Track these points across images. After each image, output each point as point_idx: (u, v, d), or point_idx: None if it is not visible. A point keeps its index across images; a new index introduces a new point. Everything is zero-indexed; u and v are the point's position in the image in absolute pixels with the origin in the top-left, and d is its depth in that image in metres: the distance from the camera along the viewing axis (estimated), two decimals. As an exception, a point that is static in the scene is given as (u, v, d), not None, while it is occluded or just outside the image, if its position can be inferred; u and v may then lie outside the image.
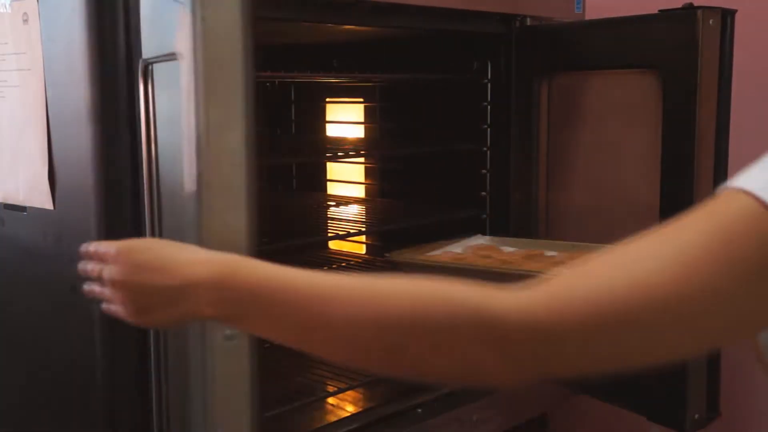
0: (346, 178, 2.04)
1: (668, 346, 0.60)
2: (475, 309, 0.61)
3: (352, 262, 1.94)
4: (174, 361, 1.02)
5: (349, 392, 1.47)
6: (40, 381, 1.22)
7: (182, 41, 0.90)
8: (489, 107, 1.66)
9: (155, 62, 0.97)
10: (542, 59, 1.55)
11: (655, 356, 0.60)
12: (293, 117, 2.12)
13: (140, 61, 0.98)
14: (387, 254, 1.49)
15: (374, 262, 1.90)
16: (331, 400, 1.45)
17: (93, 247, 0.85)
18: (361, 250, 1.99)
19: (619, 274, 0.59)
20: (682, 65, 1.28)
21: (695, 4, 1.28)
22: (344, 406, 1.44)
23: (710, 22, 1.27)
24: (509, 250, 1.46)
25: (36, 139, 1.12)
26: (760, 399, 1.77)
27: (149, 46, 0.98)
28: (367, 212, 1.86)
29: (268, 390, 1.45)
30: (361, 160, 1.97)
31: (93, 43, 1.04)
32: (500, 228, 1.63)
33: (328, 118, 2.05)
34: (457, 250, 1.48)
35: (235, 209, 0.92)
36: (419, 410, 1.40)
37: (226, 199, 0.92)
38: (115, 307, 0.83)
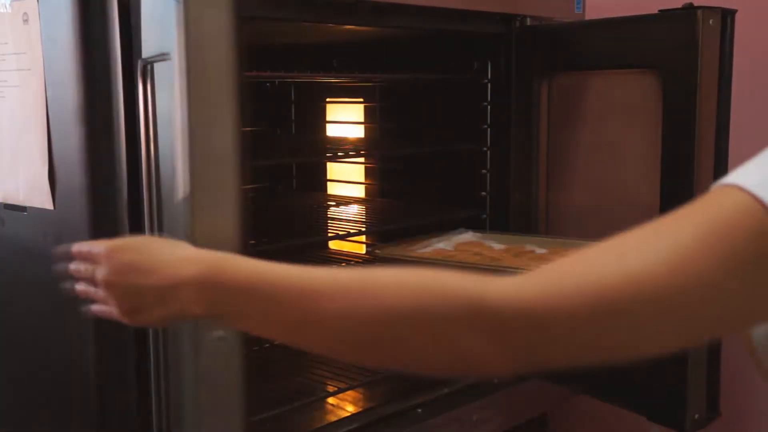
0: (346, 178, 2.04)
1: (659, 337, 0.60)
2: (468, 298, 0.61)
3: (352, 262, 1.94)
4: (173, 362, 1.02)
5: (349, 392, 1.47)
6: (40, 381, 1.22)
7: (171, 41, 0.90)
8: (489, 107, 1.66)
9: (153, 62, 0.97)
10: (542, 59, 1.55)
11: (647, 348, 0.60)
12: (293, 117, 2.12)
13: (139, 60, 0.98)
14: (377, 250, 1.49)
15: (374, 262, 1.90)
16: (331, 400, 1.45)
17: (82, 247, 0.85)
18: (361, 250, 1.99)
19: (613, 264, 0.59)
20: (682, 65, 1.28)
21: (695, 4, 1.28)
22: (344, 406, 1.44)
23: (710, 22, 1.27)
24: (496, 246, 1.45)
25: (36, 139, 1.12)
26: (760, 399, 1.77)
27: (148, 45, 0.98)
28: (367, 212, 1.86)
29: (268, 390, 1.46)
30: (361, 160, 1.97)
31: (80, 43, 1.04)
32: (500, 228, 1.63)
33: (328, 118, 2.05)
34: (443, 246, 1.47)
35: (224, 208, 0.93)
36: (419, 410, 1.40)
37: (215, 198, 0.93)
38: (105, 307, 0.83)
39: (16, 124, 1.17)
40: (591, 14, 1.61)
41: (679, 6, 1.30)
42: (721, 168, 1.32)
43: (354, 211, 1.88)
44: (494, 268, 1.30)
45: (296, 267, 0.70)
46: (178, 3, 0.88)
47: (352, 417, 1.38)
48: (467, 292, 0.62)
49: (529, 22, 1.55)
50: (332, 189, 2.08)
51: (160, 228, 1.00)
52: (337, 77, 1.93)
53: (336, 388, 1.47)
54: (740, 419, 1.75)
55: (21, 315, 1.23)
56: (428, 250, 1.43)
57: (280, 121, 2.13)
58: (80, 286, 0.86)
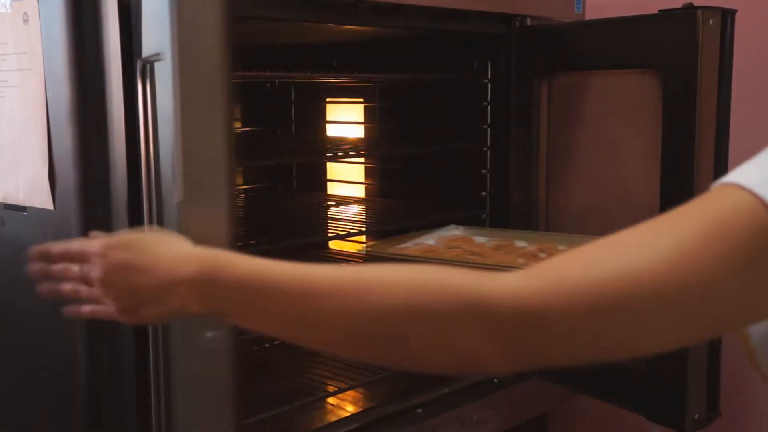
0: (346, 178, 2.04)
1: (659, 335, 0.60)
2: (467, 295, 0.61)
3: (352, 262, 1.94)
4: (173, 362, 1.02)
5: (349, 392, 1.47)
6: (41, 381, 1.22)
7: (164, 41, 0.91)
8: (489, 107, 1.66)
9: (153, 61, 0.97)
10: (542, 59, 1.55)
11: (646, 346, 0.60)
12: (293, 117, 2.12)
13: (138, 60, 0.98)
14: (365, 248, 1.48)
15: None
16: (331, 400, 1.45)
17: (71, 245, 0.84)
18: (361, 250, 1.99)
19: (612, 262, 0.59)
20: (682, 65, 1.28)
21: (695, 4, 1.28)
22: (344, 406, 1.44)
23: (710, 22, 1.27)
24: (483, 241, 1.45)
25: (36, 138, 1.12)
26: (760, 399, 1.77)
27: (147, 45, 0.98)
28: (367, 212, 1.86)
29: (268, 390, 1.46)
30: (361, 160, 1.97)
31: (72, 43, 1.05)
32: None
33: (328, 118, 2.05)
34: (429, 241, 1.46)
35: (215, 207, 0.93)
36: (419, 410, 1.40)
37: (206, 197, 0.93)
38: (99, 306, 0.82)
39: (16, 124, 1.17)
40: (591, 14, 1.61)
41: (679, 6, 1.30)
42: (721, 168, 1.32)
43: (354, 211, 1.88)
44: (489, 267, 1.30)
45: (293, 264, 0.70)
46: (170, 2, 0.89)
47: (352, 417, 1.38)
48: (465, 290, 0.62)
49: (529, 22, 1.55)
50: (332, 189, 2.08)
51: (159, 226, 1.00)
52: (337, 77, 1.93)
53: (336, 388, 1.47)
54: (740, 419, 1.75)
55: (21, 315, 1.23)
56: (416, 246, 1.42)
57: (280, 121, 2.13)
58: (68, 287, 0.84)
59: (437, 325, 0.63)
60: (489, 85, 1.65)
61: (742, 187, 0.57)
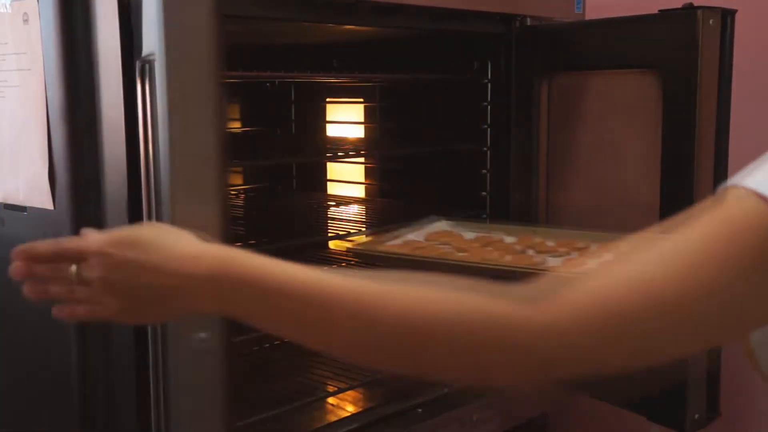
0: (346, 178, 2.04)
1: (676, 346, 0.60)
2: (490, 318, 0.61)
3: (352, 262, 1.94)
4: (166, 362, 1.02)
5: (349, 392, 1.47)
6: (41, 381, 1.22)
7: (155, 41, 0.91)
8: (489, 107, 1.66)
9: (150, 61, 0.97)
10: (542, 59, 1.55)
11: (662, 357, 0.61)
12: (293, 117, 2.12)
13: (137, 60, 0.99)
14: (347, 245, 1.45)
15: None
16: (331, 400, 1.45)
17: (64, 244, 0.78)
18: (361, 250, 1.99)
19: (632, 282, 0.59)
20: (682, 65, 1.28)
21: (695, 4, 1.28)
22: (344, 406, 1.44)
23: (710, 22, 1.27)
24: (467, 235, 1.43)
25: (36, 138, 1.12)
26: (760, 399, 1.77)
27: (147, 44, 0.99)
28: (367, 212, 1.86)
29: (268, 390, 1.46)
30: (361, 160, 1.97)
31: (63, 42, 1.05)
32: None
33: (328, 118, 2.05)
34: (414, 236, 1.43)
35: (206, 206, 0.93)
36: (419, 410, 1.40)
37: (196, 196, 0.93)
38: (94, 307, 0.77)
39: (16, 124, 1.17)
40: (591, 14, 1.61)
41: (679, 6, 1.30)
42: (721, 168, 1.32)
43: (354, 211, 1.88)
44: (466, 265, 1.28)
45: (304, 267, 0.69)
46: (159, 2, 0.90)
47: (352, 417, 1.38)
48: (490, 313, 0.61)
49: (529, 22, 1.55)
50: (332, 189, 2.08)
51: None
52: (337, 77, 1.93)
53: (336, 388, 1.47)
54: (740, 419, 1.75)
55: (21, 315, 1.23)
56: (399, 241, 1.39)
57: (280, 121, 2.13)
58: (59, 288, 0.78)
59: (458, 344, 0.62)
60: (489, 85, 1.65)
61: (757, 194, 0.56)
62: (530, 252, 1.32)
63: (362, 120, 1.96)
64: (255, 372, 1.57)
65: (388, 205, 1.89)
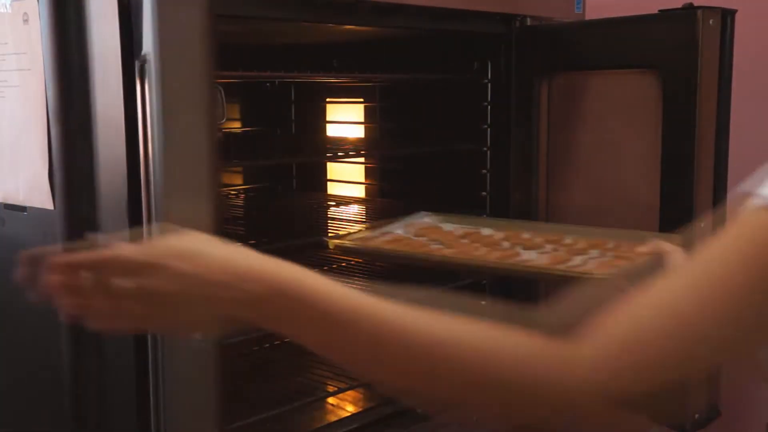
0: (346, 178, 2.04)
1: (698, 368, 0.63)
2: (551, 374, 0.62)
3: (352, 263, 1.94)
4: (163, 363, 1.02)
5: (349, 392, 1.47)
6: (41, 381, 1.22)
7: (149, 40, 0.91)
8: (489, 107, 1.66)
9: (147, 61, 0.98)
10: (542, 59, 1.55)
11: (684, 377, 0.63)
12: (293, 117, 2.12)
13: (137, 60, 0.99)
14: (335, 240, 1.42)
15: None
16: (331, 400, 1.46)
17: (99, 255, 0.70)
18: (361, 250, 1.98)
19: (664, 317, 0.60)
20: (682, 65, 1.28)
21: (695, 4, 1.28)
22: (344, 406, 1.44)
23: (710, 22, 1.27)
24: (453, 230, 1.41)
25: (36, 138, 1.12)
26: (760, 399, 1.77)
27: (146, 44, 0.99)
28: (367, 212, 1.86)
29: (268, 390, 1.46)
30: (361, 160, 1.97)
31: (56, 43, 1.05)
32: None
33: (328, 118, 2.05)
34: (401, 232, 1.41)
35: (198, 205, 0.93)
36: (419, 410, 1.39)
37: (189, 195, 0.93)
38: (114, 317, 0.70)
39: (16, 124, 1.17)
40: (591, 14, 1.61)
41: (679, 6, 1.30)
42: (721, 168, 1.32)
43: (354, 211, 1.88)
44: (449, 261, 1.27)
45: (369, 297, 0.67)
46: (152, 3, 0.90)
47: (352, 417, 1.38)
48: (550, 367, 0.62)
49: (529, 22, 1.55)
50: (332, 189, 2.08)
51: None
52: (337, 77, 1.93)
53: (336, 388, 1.47)
54: (740, 419, 1.75)
55: (21, 315, 1.23)
56: (387, 237, 1.37)
57: (280, 121, 2.13)
58: (75, 299, 0.71)
59: (522, 398, 0.64)
60: (489, 85, 1.65)
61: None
62: (506, 244, 1.31)
63: (362, 120, 1.96)
64: (255, 372, 1.57)
65: (388, 205, 1.89)
